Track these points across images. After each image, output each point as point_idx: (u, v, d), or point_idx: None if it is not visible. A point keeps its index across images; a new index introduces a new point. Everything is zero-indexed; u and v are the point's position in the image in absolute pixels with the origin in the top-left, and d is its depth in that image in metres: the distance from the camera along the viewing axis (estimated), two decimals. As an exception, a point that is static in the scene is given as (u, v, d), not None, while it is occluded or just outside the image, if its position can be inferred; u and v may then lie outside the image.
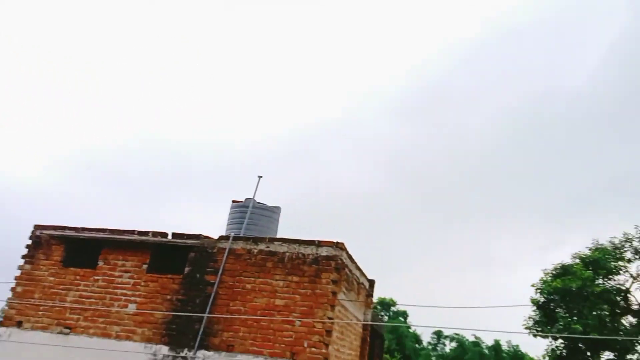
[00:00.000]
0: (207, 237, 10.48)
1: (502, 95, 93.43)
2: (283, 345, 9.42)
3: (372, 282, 14.76)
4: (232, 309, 9.86)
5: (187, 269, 10.30)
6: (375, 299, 57.97)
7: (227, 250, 10.12)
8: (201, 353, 9.52)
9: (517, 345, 56.29)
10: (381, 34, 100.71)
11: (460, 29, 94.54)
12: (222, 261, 10.09)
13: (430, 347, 63.41)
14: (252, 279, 10.01)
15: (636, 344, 22.83)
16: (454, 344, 61.50)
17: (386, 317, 56.24)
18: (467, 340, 58.47)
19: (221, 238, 10.43)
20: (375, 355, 17.64)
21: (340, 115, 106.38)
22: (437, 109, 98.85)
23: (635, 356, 22.90)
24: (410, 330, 57.99)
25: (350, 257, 11.65)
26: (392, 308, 57.77)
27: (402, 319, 57.86)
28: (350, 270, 11.80)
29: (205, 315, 9.62)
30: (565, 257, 22.95)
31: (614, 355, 20.79)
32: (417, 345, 59.48)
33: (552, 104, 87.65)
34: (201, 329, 9.62)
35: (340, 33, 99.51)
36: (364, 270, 13.67)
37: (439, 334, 62.25)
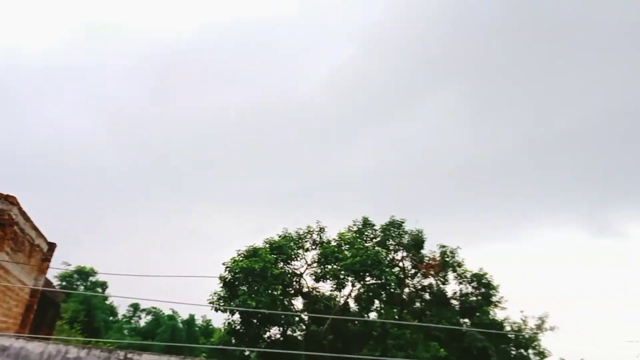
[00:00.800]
0: None
1: (250, 87, 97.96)
2: None
3: (52, 246, 13.51)
4: None
5: None
6: (73, 267, 53.08)
7: None
8: None
9: (210, 320, 59.76)
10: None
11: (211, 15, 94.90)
12: None
13: (125, 319, 61.86)
14: None
15: (299, 321, 26.99)
16: (149, 317, 61.37)
17: (82, 287, 52.51)
18: (164, 314, 59.17)
19: None
20: (45, 324, 16.23)
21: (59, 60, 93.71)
22: (182, 85, 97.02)
23: (296, 332, 27.03)
24: (107, 302, 55.57)
25: (24, 214, 10.45)
26: (91, 278, 54.42)
27: (100, 290, 55.00)
28: (22, 229, 10.59)
29: None
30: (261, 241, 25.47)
31: (279, 330, 24.14)
32: (111, 318, 57.31)
33: (288, 104, 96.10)
34: None
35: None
36: (42, 231, 12.43)
37: (135, 307, 61.21)
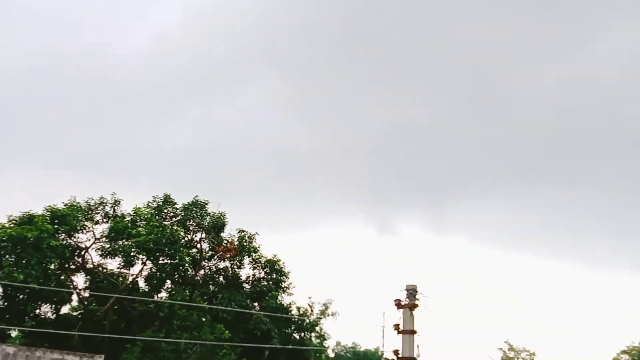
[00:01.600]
0: None
1: (59, 37, 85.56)
2: None
3: None
4: None
5: None
6: None
7: None
8: None
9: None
10: None
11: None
12: None
13: None
14: None
15: (80, 300, 24.71)
16: None
17: None
18: None
19: None
20: None
21: None
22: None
23: (76, 312, 24.74)
24: None
25: None
26: None
27: None
28: None
29: None
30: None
31: (51, 308, 21.69)
32: None
33: (101, 62, 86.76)
34: None
35: None
36: None
37: None
